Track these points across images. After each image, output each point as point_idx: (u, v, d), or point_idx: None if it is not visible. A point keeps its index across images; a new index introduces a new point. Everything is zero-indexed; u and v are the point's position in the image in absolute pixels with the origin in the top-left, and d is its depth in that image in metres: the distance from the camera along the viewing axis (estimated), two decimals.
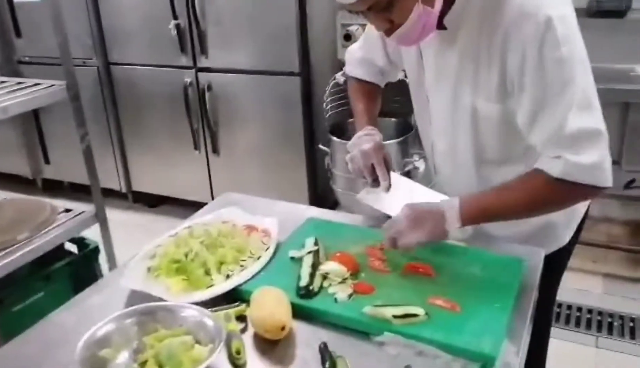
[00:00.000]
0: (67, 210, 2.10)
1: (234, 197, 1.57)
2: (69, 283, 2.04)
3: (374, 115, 1.47)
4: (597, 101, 1.08)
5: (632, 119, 2.52)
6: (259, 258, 1.22)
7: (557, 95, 1.06)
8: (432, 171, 1.47)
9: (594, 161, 1.07)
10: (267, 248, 1.25)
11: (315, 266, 1.17)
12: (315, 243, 1.25)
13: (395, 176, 1.37)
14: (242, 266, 1.20)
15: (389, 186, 1.32)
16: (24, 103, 1.91)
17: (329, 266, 1.17)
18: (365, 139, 1.33)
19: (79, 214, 2.08)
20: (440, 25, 1.16)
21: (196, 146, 3.34)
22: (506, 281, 1.12)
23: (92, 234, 2.15)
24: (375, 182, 1.33)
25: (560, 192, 1.11)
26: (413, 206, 1.18)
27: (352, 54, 1.54)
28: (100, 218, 2.12)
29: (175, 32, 3.11)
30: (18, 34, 3.61)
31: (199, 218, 1.41)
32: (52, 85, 1.99)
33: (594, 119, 1.07)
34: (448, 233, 1.14)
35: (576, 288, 2.68)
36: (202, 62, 3.15)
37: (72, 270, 2.05)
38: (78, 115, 2.03)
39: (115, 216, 2.21)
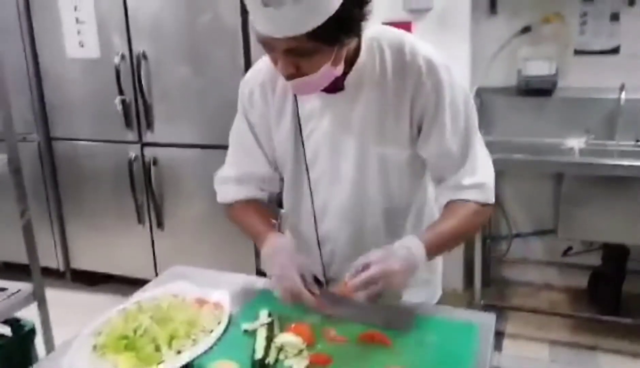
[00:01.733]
0: (2, 289, 1.99)
1: (181, 270, 1.53)
2: None
3: (270, 223, 1.37)
4: None
5: (565, 189, 2.65)
6: (211, 331, 1.19)
7: (472, 126, 1.28)
8: (308, 245, 1.44)
9: (491, 183, 1.30)
10: (220, 322, 1.22)
11: (270, 338, 1.15)
12: (269, 315, 1.23)
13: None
14: (194, 340, 1.16)
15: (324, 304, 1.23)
16: None
17: (284, 338, 1.14)
18: (277, 257, 1.25)
19: (15, 293, 1.97)
20: (338, 88, 1.23)
21: (140, 220, 3.27)
22: (461, 348, 1.12)
23: (26, 315, 2.03)
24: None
25: (484, 215, 1.31)
26: (387, 248, 1.17)
27: (226, 179, 1.45)
28: (38, 297, 2.01)
29: (121, 107, 3.10)
30: None
31: (147, 292, 1.37)
32: None
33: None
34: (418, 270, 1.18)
35: (523, 355, 2.71)
36: (148, 137, 3.15)
37: (5, 353, 1.92)
38: (19, 190, 1.96)
39: (53, 295, 2.10)
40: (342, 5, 1.02)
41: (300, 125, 1.32)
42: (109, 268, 3.50)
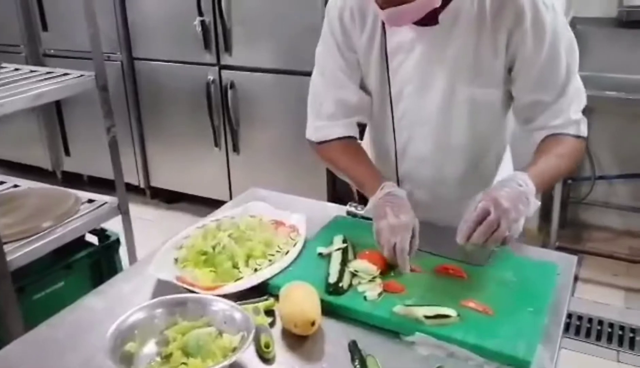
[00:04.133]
0: (90, 201, 2.10)
1: (259, 193, 1.56)
2: (89, 274, 2.04)
3: (378, 171, 1.33)
4: None
5: None
6: (287, 253, 1.21)
7: (571, 73, 1.22)
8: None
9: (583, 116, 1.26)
10: (295, 244, 1.24)
11: (344, 263, 1.16)
12: (344, 241, 1.24)
13: None
14: (270, 260, 1.19)
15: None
16: (56, 91, 1.92)
17: (358, 264, 1.15)
18: (391, 206, 1.17)
19: (102, 205, 2.08)
20: (434, 21, 1.15)
21: (216, 144, 3.34)
22: (539, 286, 1.10)
23: (111, 227, 2.15)
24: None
25: (582, 148, 1.27)
26: (499, 189, 1.08)
27: (316, 115, 1.39)
28: (123, 211, 2.12)
29: (200, 28, 3.12)
30: (45, 27, 3.64)
31: (226, 211, 1.41)
32: (82, 75, 2.00)
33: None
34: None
35: (596, 301, 2.64)
36: (226, 60, 3.16)
37: (93, 261, 2.05)
38: (105, 106, 2.03)
39: (133, 210, 2.20)
40: None
41: (387, 59, 1.27)
42: (186, 187, 3.63)
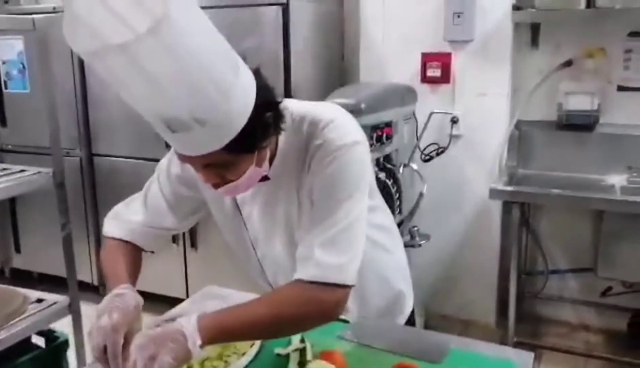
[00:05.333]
0: (39, 301, 2.03)
1: (215, 290, 1.55)
2: None
3: (135, 274, 1.30)
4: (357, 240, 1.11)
5: (605, 227, 2.59)
6: (243, 354, 1.19)
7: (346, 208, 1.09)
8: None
9: (341, 261, 1.07)
10: (252, 344, 1.22)
11: (302, 364, 1.14)
12: (302, 340, 1.22)
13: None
14: (226, 362, 1.16)
15: None
16: (11, 188, 1.91)
17: (317, 364, 1.13)
18: (112, 307, 1.05)
19: (51, 305, 2.00)
20: (264, 178, 1.17)
21: (174, 240, 3.31)
22: None
23: (61, 327, 2.06)
24: None
25: (311, 297, 1.06)
26: (147, 333, 1.01)
27: (129, 215, 1.35)
28: (73, 310, 2.04)
29: None
30: (4, 123, 3.64)
31: (181, 310, 1.38)
32: (39, 172, 1.99)
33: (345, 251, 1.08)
34: (192, 354, 0.99)
35: None
36: None
37: (39, 364, 1.94)
38: (61, 203, 2.01)
39: (85, 309, 2.13)
40: (253, 114, 0.99)
41: (240, 210, 1.29)
42: (142, 285, 3.49)
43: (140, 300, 1.11)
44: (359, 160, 1.13)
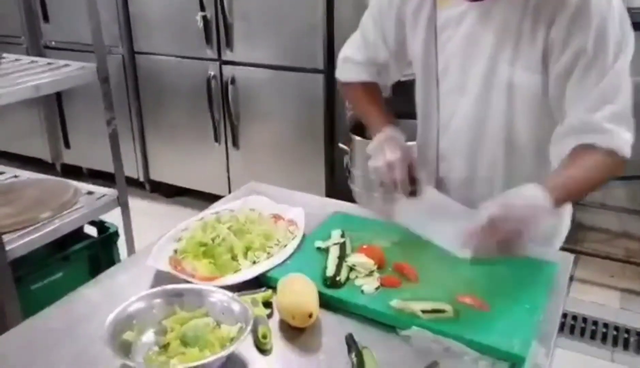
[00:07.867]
0: (89, 193, 2.11)
1: (258, 187, 1.57)
2: (88, 266, 2.05)
3: (389, 115, 1.39)
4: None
5: None
6: (285, 246, 1.22)
7: (619, 70, 1.10)
8: (431, 161, 1.41)
9: (628, 137, 1.13)
10: (294, 237, 1.25)
11: (341, 257, 1.17)
12: (342, 235, 1.25)
13: (427, 190, 1.28)
14: (268, 253, 1.20)
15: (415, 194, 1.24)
16: (55, 83, 1.92)
17: (356, 258, 1.16)
18: (388, 145, 1.24)
19: (101, 197, 2.08)
20: None
21: (216, 139, 3.35)
22: (537, 283, 1.10)
23: (110, 219, 2.16)
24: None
25: (615, 165, 1.14)
26: (508, 202, 1.04)
27: (348, 58, 1.46)
28: (122, 203, 2.12)
29: (202, 24, 3.12)
30: (46, 18, 3.64)
31: (225, 205, 1.41)
32: (83, 67, 2.00)
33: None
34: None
35: (593, 301, 2.65)
36: (227, 55, 3.16)
37: (91, 253, 2.06)
38: (106, 99, 2.03)
39: (132, 203, 2.20)
40: None
41: (436, 35, 1.26)
42: (185, 182, 3.63)
43: (404, 140, 1.28)
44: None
